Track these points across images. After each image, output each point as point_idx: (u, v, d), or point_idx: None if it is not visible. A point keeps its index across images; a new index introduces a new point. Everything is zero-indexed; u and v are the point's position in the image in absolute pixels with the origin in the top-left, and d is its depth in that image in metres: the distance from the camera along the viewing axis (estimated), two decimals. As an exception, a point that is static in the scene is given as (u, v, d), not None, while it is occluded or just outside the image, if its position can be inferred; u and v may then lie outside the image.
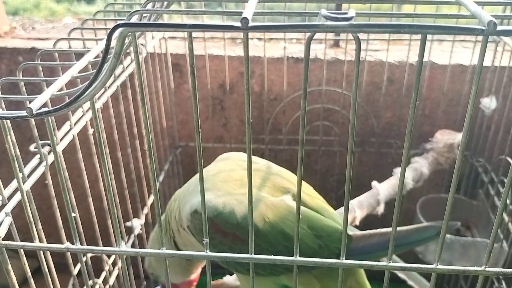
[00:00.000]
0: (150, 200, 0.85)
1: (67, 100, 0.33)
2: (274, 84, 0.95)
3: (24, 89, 0.46)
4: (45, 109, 0.33)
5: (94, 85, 0.32)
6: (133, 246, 0.80)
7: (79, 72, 0.42)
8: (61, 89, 0.38)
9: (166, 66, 0.90)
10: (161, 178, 0.91)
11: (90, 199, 0.62)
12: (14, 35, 1.07)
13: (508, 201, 0.76)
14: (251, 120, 0.33)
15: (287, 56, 0.92)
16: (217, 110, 1.00)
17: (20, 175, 0.41)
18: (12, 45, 0.98)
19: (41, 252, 0.43)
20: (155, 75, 0.86)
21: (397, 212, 0.37)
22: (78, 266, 0.60)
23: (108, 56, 0.32)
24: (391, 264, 0.39)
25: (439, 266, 0.38)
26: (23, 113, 0.33)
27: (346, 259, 0.39)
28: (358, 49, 0.30)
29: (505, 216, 0.78)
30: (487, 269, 0.37)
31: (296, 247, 0.39)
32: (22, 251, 0.44)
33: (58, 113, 0.33)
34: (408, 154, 0.35)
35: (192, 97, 0.31)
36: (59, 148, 0.52)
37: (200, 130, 0.34)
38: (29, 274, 0.46)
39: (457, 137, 0.84)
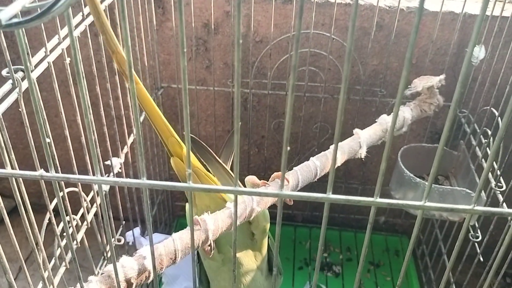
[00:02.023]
0: (130, 140, 0.82)
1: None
2: (260, 26, 0.92)
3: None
4: (16, 20, 0.30)
5: (70, -6, 0.29)
6: (111, 186, 0.78)
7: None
8: (34, 2, 0.35)
9: (148, 1, 0.86)
10: (141, 118, 0.89)
11: (67, 132, 0.59)
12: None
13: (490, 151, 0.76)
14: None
15: (275, -4, 0.89)
16: (201, 51, 0.96)
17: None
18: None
19: (13, 180, 0.41)
20: (136, 10, 0.82)
21: (388, 150, 0.36)
22: (54, 202, 0.57)
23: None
24: (378, 200, 0.38)
25: (427, 204, 0.37)
26: (-9, 24, 0.30)
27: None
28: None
29: (484, 164, 0.78)
30: (475, 207, 0.36)
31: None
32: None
33: (30, 25, 0.30)
34: (391, 103, 0.34)
35: (177, 30, 0.29)
36: (34, 74, 0.49)
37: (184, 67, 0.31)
38: (2, 204, 0.44)
39: (434, 80, 0.83)
